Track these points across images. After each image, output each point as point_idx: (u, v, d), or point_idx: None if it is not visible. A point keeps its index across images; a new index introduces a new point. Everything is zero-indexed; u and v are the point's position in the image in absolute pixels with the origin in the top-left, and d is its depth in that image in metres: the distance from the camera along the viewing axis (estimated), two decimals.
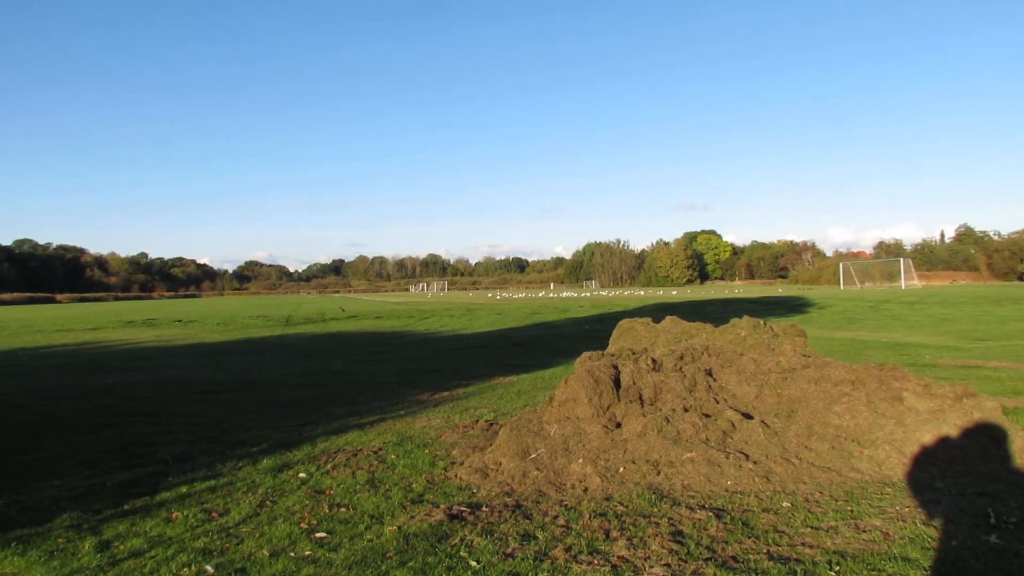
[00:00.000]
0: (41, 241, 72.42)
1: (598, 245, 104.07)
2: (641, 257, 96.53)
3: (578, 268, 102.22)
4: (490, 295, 46.46)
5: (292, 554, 2.35)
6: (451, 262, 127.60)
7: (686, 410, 3.68)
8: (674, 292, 42.90)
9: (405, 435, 4.05)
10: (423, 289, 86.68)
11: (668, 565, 2.18)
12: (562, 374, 6.72)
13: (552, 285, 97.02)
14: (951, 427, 3.16)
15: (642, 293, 42.59)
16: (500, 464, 3.36)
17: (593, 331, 13.35)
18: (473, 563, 2.25)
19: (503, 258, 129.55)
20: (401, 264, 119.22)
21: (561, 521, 2.59)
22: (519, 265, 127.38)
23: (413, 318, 18.76)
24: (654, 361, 4.33)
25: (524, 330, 14.23)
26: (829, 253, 68.35)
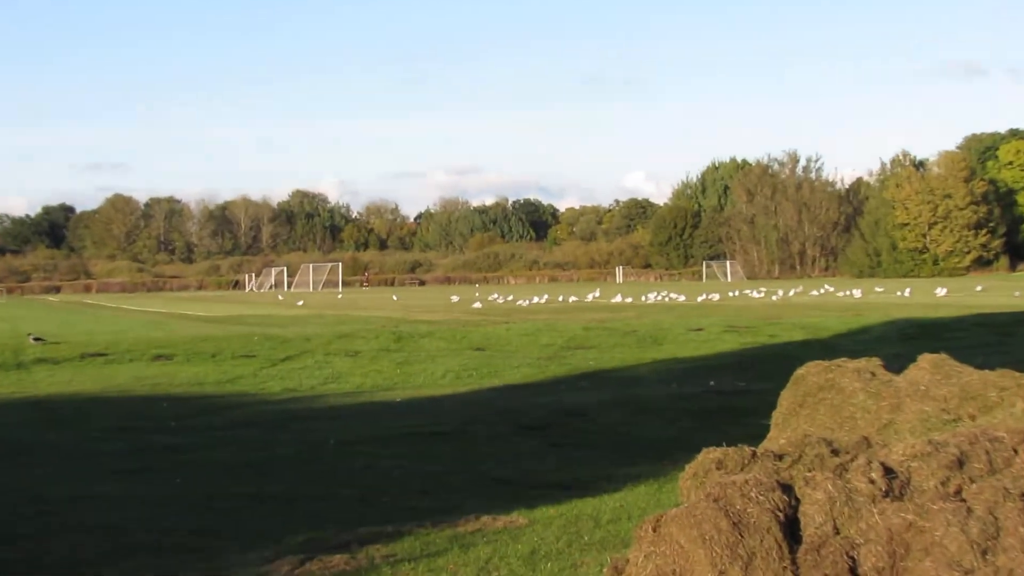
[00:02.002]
0: None
1: (740, 169, 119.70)
2: (853, 201, 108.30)
3: (683, 227, 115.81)
4: (456, 299, 50.63)
5: None
6: (358, 213, 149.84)
7: None
8: (940, 292, 45.46)
9: None
10: (273, 282, 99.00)
11: None
12: (644, 507, 6.82)
13: (620, 272, 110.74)
14: None
15: (855, 295, 47.28)
16: None
17: (726, 391, 14.31)
18: None
19: (495, 202, 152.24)
20: (226, 218, 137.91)
21: None
22: (534, 220, 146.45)
23: (252, 360, 20.24)
24: (889, 474, 4.38)
25: (545, 391, 15.28)
26: None
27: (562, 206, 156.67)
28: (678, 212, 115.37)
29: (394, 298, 56.48)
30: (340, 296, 66.37)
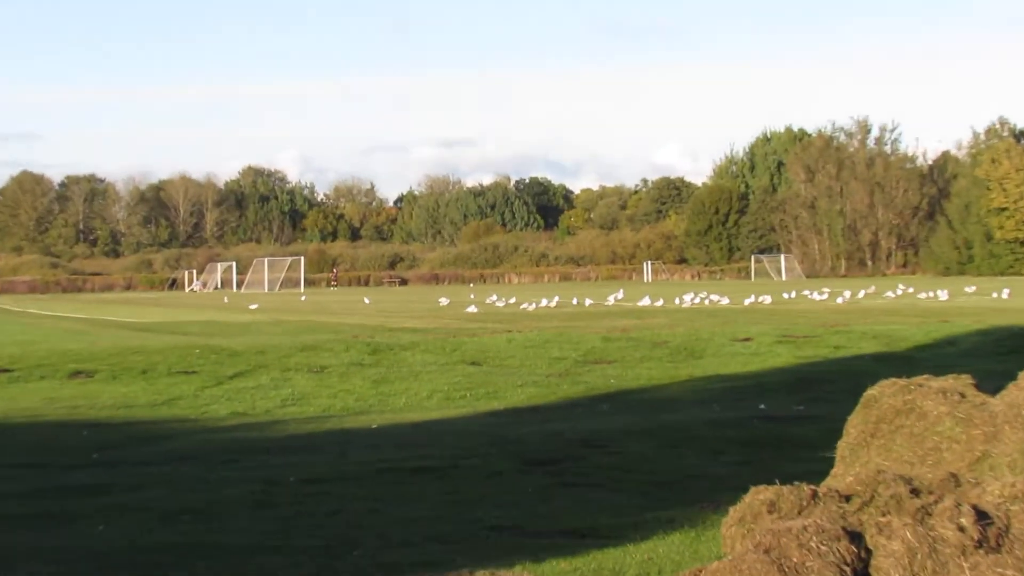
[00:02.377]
0: None
1: (798, 141, 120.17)
2: (938, 181, 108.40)
3: (727, 212, 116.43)
4: (446, 301, 52.97)
5: None
6: (325, 196, 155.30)
7: None
8: None
9: None
10: (219, 281, 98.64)
11: None
12: (678, 560, 6.87)
13: (649, 268, 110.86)
14: None
15: (940, 297, 47.61)
16: None
17: (780, 416, 14.39)
18: None
19: (494, 181, 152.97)
20: (161, 201, 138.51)
21: None
22: (542, 204, 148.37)
23: (193, 377, 20.26)
24: (983, 519, 4.43)
25: (555, 416, 15.27)
26: None
27: (577, 187, 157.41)
28: (720, 194, 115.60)
29: (366, 301, 56.53)
30: (303, 298, 66.54)
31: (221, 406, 16.87)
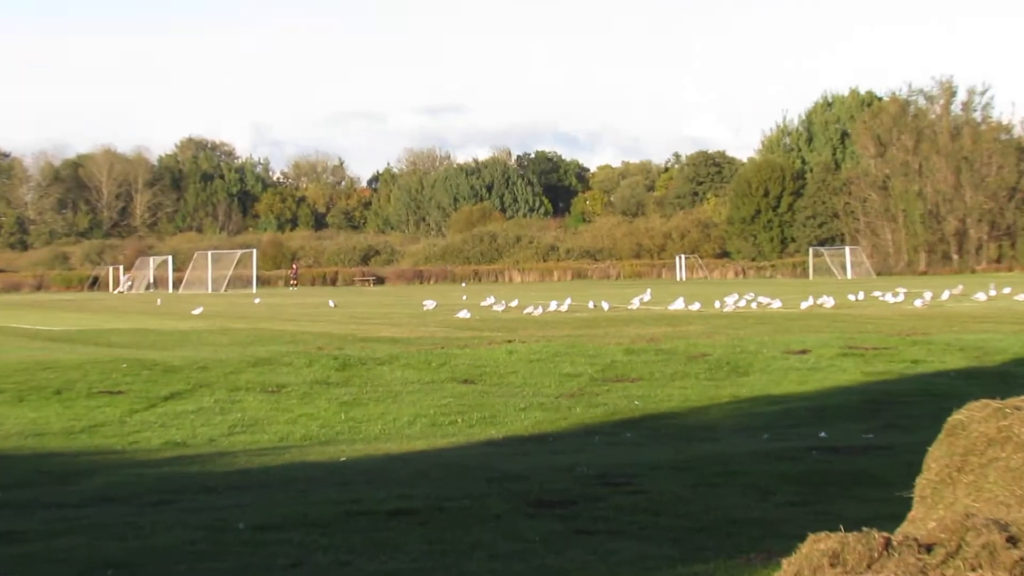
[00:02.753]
0: None
1: (866, 107, 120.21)
2: None
3: (779, 195, 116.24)
4: (431, 305, 52.70)
5: None
6: (282, 174, 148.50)
7: None
8: None
9: None
10: (151, 279, 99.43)
11: None
12: None
13: (682, 263, 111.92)
14: None
15: None
16: None
17: (844, 447, 14.38)
18: None
19: (491, 157, 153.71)
20: (80, 181, 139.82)
21: None
22: (551, 184, 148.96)
23: (119, 399, 20.30)
24: None
25: (567, 447, 15.33)
26: None
27: (593, 163, 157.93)
28: (771, 172, 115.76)
29: (331, 304, 56.50)
30: (257, 301, 66.42)
31: (154, 434, 16.86)
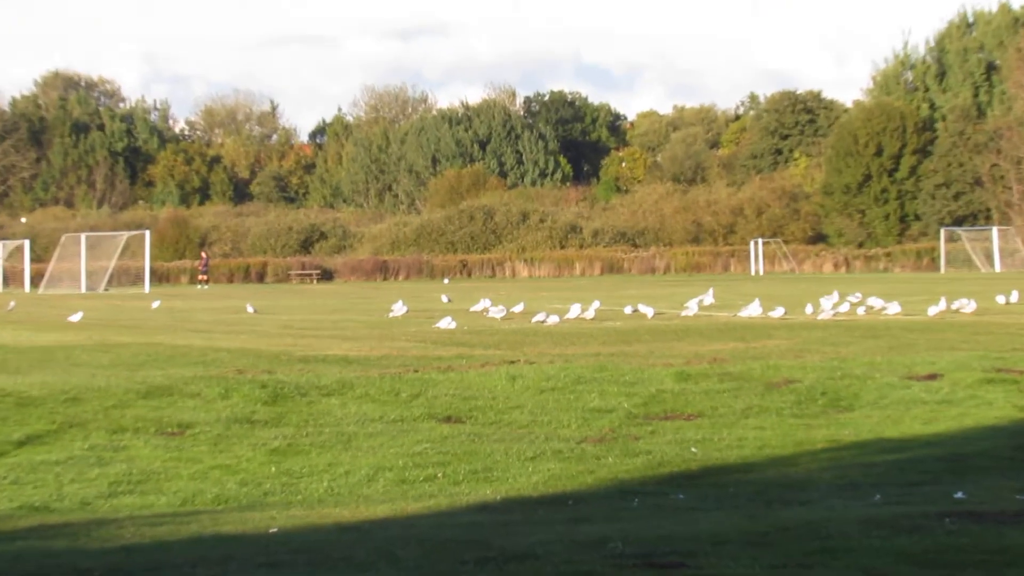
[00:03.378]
0: None
1: (1019, 28, 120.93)
2: None
3: (896, 154, 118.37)
4: (402, 310, 53.11)
5: None
6: (186, 124, 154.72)
7: None
8: None
9: None
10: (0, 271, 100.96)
11: None
12: None
13: (758, 250, 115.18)
14: None
15: None
16: None
17: (990, 514, 14.54)
18: None
19: (486, 99, 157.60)
20: None
21: None
22: (569, 139, 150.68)
23: None
24: None
25: (592, 509, 15.63)
26: None
27: (632, 109, 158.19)
28: (886, 122, 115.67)
29: (250, 309, 56.53)
30: (157, 304, 66.21)
31: (2, 495, 16.85)
